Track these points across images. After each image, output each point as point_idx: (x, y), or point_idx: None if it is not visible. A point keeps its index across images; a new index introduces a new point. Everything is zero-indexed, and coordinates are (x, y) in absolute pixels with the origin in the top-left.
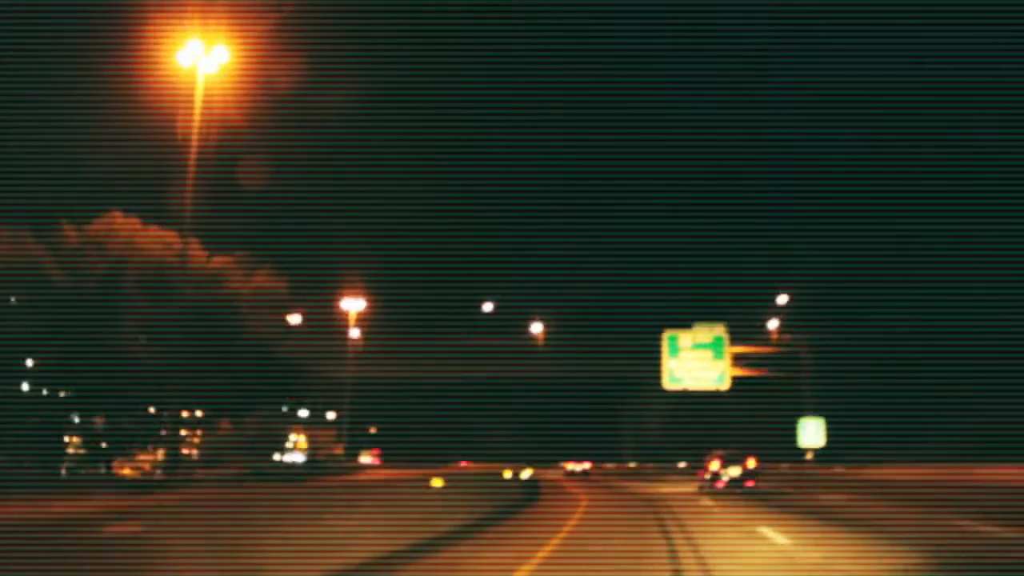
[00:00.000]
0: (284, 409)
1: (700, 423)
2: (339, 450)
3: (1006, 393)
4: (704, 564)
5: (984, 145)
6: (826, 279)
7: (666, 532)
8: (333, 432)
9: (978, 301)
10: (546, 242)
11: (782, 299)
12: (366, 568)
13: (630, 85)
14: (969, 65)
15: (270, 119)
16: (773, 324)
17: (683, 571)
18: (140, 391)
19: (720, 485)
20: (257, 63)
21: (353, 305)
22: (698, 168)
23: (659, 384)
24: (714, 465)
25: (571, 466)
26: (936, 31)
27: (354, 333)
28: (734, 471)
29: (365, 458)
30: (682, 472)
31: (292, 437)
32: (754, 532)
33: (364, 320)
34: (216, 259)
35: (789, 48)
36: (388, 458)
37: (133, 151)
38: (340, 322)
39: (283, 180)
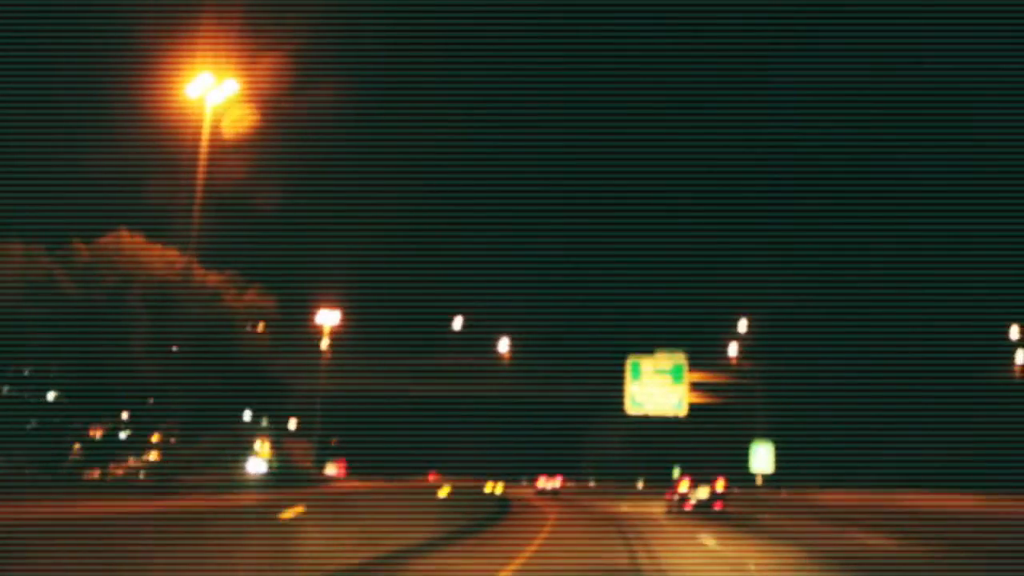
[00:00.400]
0: (248, 418)
1: (659, 445)
2: (308, 462)
3: (945, 426)
4: (653, 555)
5: (935, 179)
6: (781, 311)
7: (624, 535)
8: (307, 443)
9: (922, 338)
10: (515, 264)
11: (740, 327)
12: (397, 556)
13: (597, 111)
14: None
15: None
16: (731, 351)
17: (637, 556)
18: (143, 399)
19: (688, 507)
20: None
21: (328, 318)
22: (667, 198)
23: (620, 406)
24: (683, 486)
25: (542, 482)
26: (922, 38)
27: (324, 345)
28: (702, 492)
29: (331, 469)
30: (641, 492)
31: (255, 446)
32: (694, 537)
33: (335, 335)
34: (210, 276)
35: (743, 80)
36: (354, 470)
37: (139, 169)
38: (311, 336)
39: (255, 198)
